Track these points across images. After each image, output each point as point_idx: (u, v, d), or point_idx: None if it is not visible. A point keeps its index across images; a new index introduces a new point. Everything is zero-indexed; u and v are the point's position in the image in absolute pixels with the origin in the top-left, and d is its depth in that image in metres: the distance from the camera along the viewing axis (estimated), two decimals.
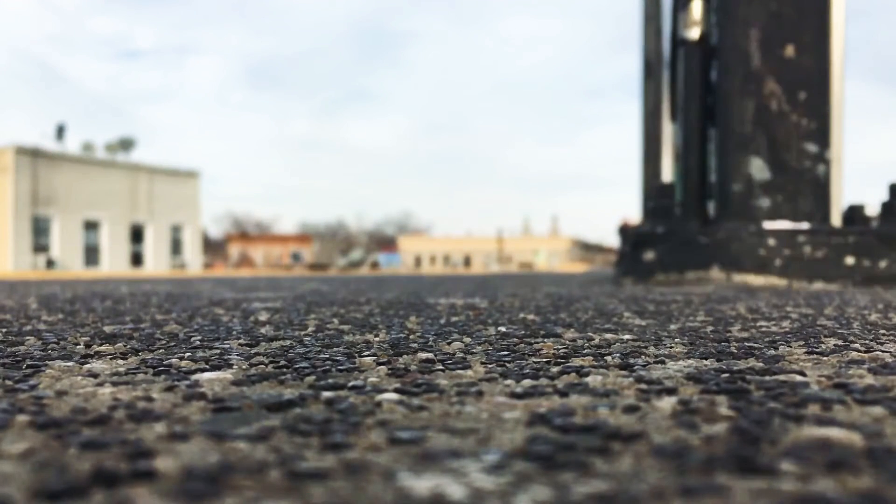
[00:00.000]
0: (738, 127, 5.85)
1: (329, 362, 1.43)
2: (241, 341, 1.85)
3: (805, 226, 5.70)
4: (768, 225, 5.72)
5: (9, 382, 1.21)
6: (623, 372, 1.30)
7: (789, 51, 5.80)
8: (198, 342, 1.84)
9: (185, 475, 0.67)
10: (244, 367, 1.38)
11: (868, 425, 0.86)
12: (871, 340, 1.81)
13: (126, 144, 37.74)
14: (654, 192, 6.21)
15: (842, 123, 6.08)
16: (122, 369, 1.38)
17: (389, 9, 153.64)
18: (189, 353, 1.60)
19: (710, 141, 6.37)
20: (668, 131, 8.59)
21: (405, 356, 1.54)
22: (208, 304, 3.66)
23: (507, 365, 1.39)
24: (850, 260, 5.58)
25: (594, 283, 7.57)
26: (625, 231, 6.50)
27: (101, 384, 1.20)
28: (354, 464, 0.71)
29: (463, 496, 0.62)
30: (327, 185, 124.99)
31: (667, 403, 1.00)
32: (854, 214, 6.26)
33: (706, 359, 1.48)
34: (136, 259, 36.90)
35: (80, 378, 1.27)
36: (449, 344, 1.75)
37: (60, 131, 35.65)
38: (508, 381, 1.20)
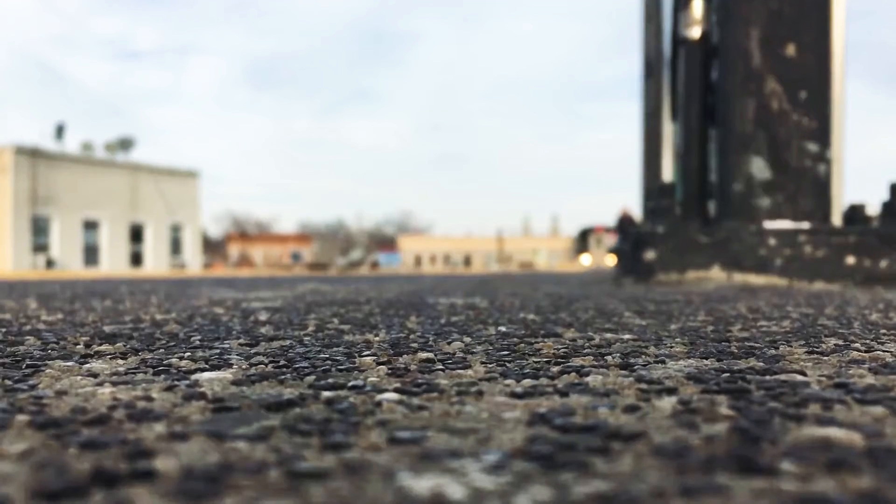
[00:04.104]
0: (738, 126, 5.84)
1: (329, 362, 1.43)
2: (240, 341, 1.85)
3: (806, 225, 5.69)
4: (769, 224, 5.72)
5: (8, 382, 1.21)
6: (623, 372, 1.30)
7: (790, 50, 5.80)
8: (198, 342, 1.84)
9: (185, 475, 0.67)
10: (244, 366, 1.38)
11: (868, 425, 0.86)
12: (872, 340, 1.80)
13: (125, 144, 37.75)
14: (654, 191, 6.21)
15: (842, 123, 6.08)
16: (121, 369, 1.37)
17: (390, 9, 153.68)
18: (189, 353, 1.60)
19: (711, 140, 6.37)
20: (669, 131, 8.58)
21: (405, 356, 1.53)
22: (208, 304, 3.66)
23: (508, 365, 1.39)
24: (850, 259, 5.57)
25: (594, 282, 7.56)
26: (624, 225, 6.50)
27: (100, 384, 1.20)
28: (354, 464, 0.71)
29: (463, 496, 0.62)
30: (327, 185, 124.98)
31: (667, 403, 1.00)
32: (855, 214, 6.26)
33: (706, 358, 1.48)
34: (136, 259, 36.89)
35: (79, 378, 1.27)
36: (449, 344, 1.75)
37: (60, 131, 35.64)
38: (508, 381, 1.20)
